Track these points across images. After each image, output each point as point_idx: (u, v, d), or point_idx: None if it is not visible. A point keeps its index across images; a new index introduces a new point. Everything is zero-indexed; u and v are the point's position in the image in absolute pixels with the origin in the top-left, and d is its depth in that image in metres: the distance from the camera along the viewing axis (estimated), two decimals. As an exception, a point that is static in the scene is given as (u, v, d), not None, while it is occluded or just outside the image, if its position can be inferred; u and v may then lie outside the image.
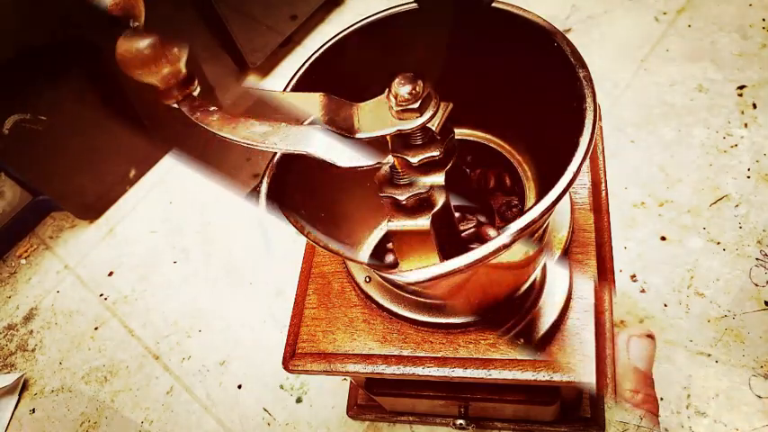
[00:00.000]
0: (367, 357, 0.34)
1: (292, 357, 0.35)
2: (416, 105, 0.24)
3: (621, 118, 0.70)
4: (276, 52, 0.86)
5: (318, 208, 0.34)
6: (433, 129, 0.25)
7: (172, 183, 0.81)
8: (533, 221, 0.23)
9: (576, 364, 0.31)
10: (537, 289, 0.33)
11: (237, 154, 0.80)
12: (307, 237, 0.26)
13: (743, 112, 0.64)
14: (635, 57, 0.76)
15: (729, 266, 0.56)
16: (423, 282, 0.23)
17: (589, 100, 0.25)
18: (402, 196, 0.27)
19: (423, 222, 0.28)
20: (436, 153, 0.26)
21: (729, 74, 0.69)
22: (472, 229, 0.35)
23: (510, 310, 0.32)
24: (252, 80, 0.87)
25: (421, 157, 0.27)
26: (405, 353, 0.33)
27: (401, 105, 0.24)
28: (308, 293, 0.37)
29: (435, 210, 0.28)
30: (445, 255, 0.29)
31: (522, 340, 0.32)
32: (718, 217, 0.59)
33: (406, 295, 0.34)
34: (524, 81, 0.31)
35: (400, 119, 0.25)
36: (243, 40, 0.79)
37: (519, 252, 0.26)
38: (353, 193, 0.36)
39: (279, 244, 0.68)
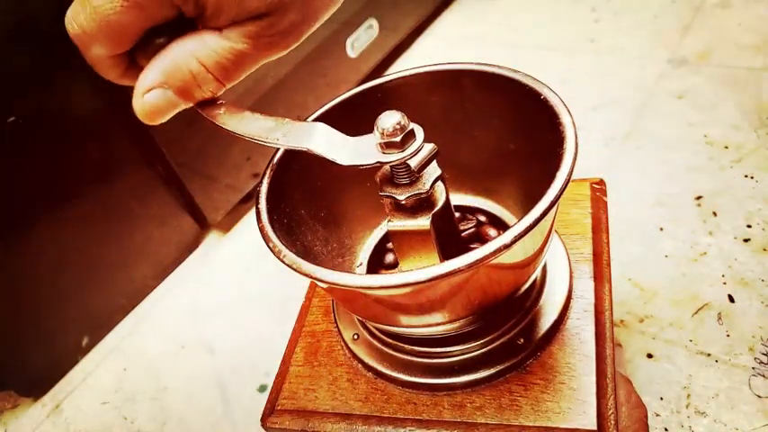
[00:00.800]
0: (346, 417, 0.33)
1: (271, 414, 0.35)
2: (398, 139, 0.25)
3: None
4: (237, 208, 0.85)
5: (319, 207, 0.34)
6: (412, 166, 0.26)
7: (128, 348, 0.75)
8: (537, 220, 0.23)
9: (576, 364, 0.30)
10: (537, 289, 0.33)
11: (237, 153, 0.80)
12: (282, 261, 0.26)
13: (704, 221, 0.65)
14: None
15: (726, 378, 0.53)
16: (424, 282, 0.23)
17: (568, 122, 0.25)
18: (402, 196, 0.27)
19: (423, 222, 0.28)
20: (421, 192, 0.27)
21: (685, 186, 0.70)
22: (472, 229, 0.35)
23: (510, 311, 0.32)
24: (213, 236, 0.86)
25: (406, 195, 0.27)
26: (386, 414, 0.32)
27: (385, 138, 0.25)
28: (296, 351, 0.37)
29: (436, 209, 0.28)
30: (446, 255, 0.29)
31: (522, 340, 0.32)
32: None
33: (393, 354, 0.34)
34: (513, 137, 0.32)
35: (383, 152, 0.25)
36: (202, 199, 0.78)
37: (520, 252, 0.26)
38: (354, 193, 0.36)
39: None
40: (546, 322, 0.32)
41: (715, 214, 0.66)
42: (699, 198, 0.68)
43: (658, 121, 0.79)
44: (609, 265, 0.36)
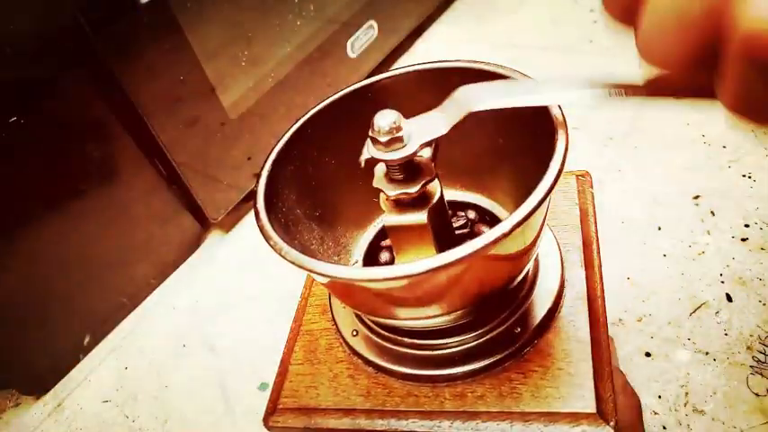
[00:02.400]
0: (349, 412, 0.33)
1: (273, 413, 0.35)
2: (385, 140, 0.26)
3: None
4: (238, 207, 0.85)
5: (314, 207, 0.35)
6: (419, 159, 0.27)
7: (129, 347, 0.76)
8: (535, 209, 0.24)
9: (573, 350, 0.31)
10: (531, 279, 0.34)
11: (238, 153, 0.80)
12: (284, 257, 0.27)
13: (702, 220, 0.65)
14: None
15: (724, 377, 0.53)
16: (424, 273, 0.23)
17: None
18: (398, 191, 0.28)
19: (420, 216, 0.28)
20: (414, 189, 0.27)
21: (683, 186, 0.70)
22: (465, 230, 0.36)
23: (506, 301, 0.33)
24: (214, 235, 0.87)
25: (398, 192, 0.28)
26: (388, 407, 0.33)
27: (380, 137, 0.26)
28: (295, 350, 0.38)
29: (432, 203, 0.28)
30: (441, 249, 0.29)
31: (518, 329, 0.32)
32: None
33: (393, 347, 0.34)
34: (504, 133, 0.32)
35: (378, 150, 0.26)
36: (203, 198, 0.79)
37: (517, 242, 0.27)
38: (347, 192, 0.36)
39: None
40: (541, 311, 0.33)
41: (713, 213, 0.66)
42: (697, 197, 0.68)
43: (656, 121, 0.79)
44: (599, 253, 0.36)
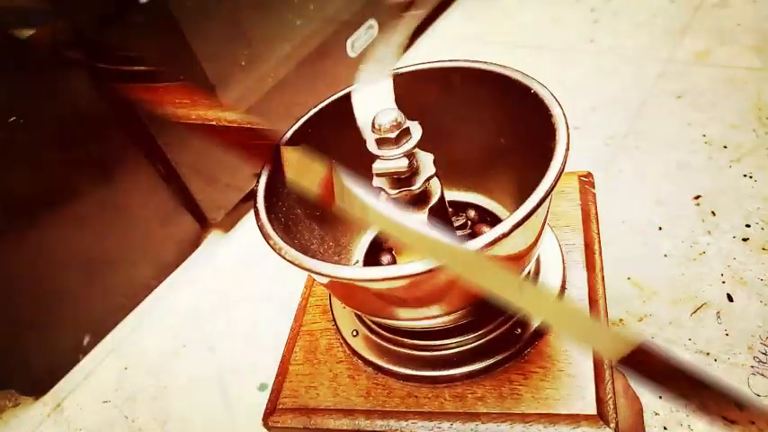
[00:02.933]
0: (349, 413, 0.33)
1: (272, 413, 0.35)
2: (394, 135, 0.26)
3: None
4: (237, 208, 0.85)
5: (314, 206, 0.35)
6: (415, 163, 0.27)
7: (129, 347, 0.75)
8: (534, 209, 0.23)
9: (573, 352, 0.31)
10: (531, 279, 0.34)
11: (238, 153, 0.80)
12: (283, 257, 0.27)
13: (703, 221, 0.65)
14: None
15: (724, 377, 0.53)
16: (423, 273, 0.23)
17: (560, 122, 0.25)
18: (398, 191, 0.28)
19: (419, 216, 0.28)
20: (415, 187, 0.27)
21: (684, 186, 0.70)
22: (466, 231, 0.36)
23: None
24: (214, 236, 0.86)
25: (400, 190, 0.28)
26: (388, 408, 0.33)
27: (381, 134, 0.26)
28: (295, 350, 0.37)
29: (432, 203, 0.28)
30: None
31: (519, 330, 0.32)
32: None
33: (393, 348, 0.34)
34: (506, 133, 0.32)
35: (378, 149, 0.26)
36: (203, 198, 0.79)
37: (517, 243, 0.27)
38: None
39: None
40: (542, 312, 0.32)
41: (714, 213, 0.66)
42: (698, 197, 0.68)
43: (657, 121, 0.79)
44: (600, 254, 0.36)
